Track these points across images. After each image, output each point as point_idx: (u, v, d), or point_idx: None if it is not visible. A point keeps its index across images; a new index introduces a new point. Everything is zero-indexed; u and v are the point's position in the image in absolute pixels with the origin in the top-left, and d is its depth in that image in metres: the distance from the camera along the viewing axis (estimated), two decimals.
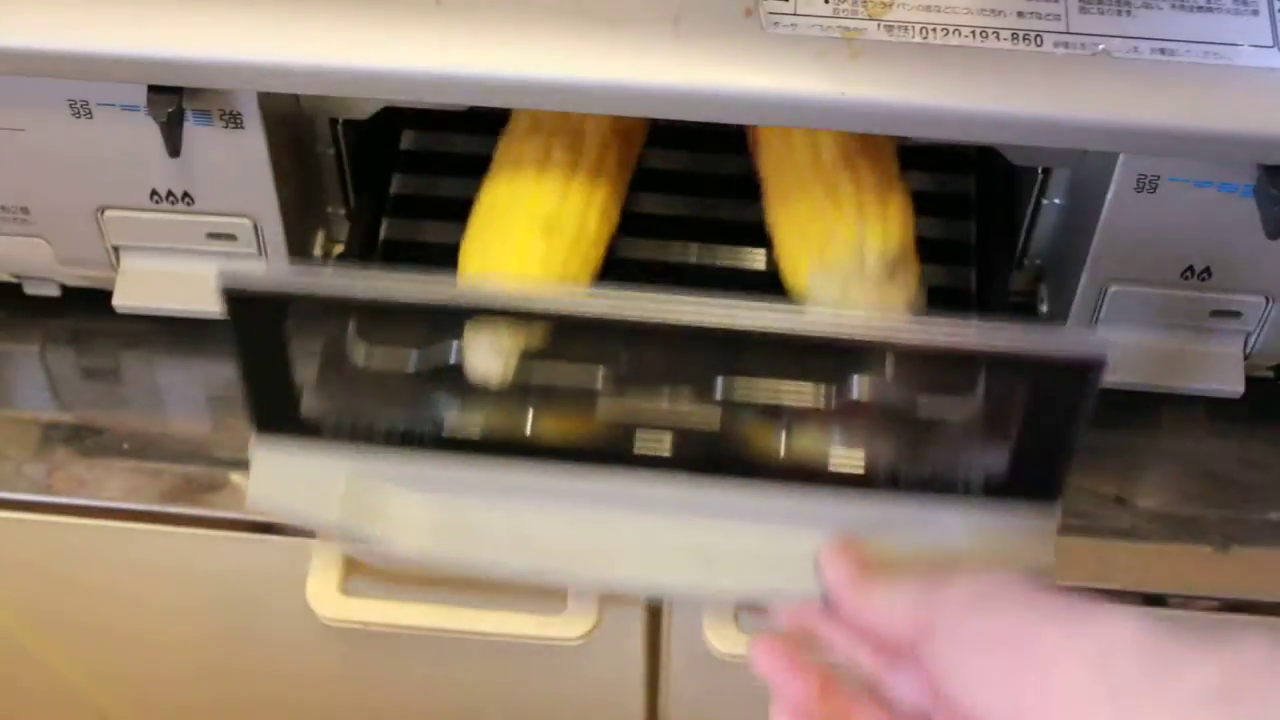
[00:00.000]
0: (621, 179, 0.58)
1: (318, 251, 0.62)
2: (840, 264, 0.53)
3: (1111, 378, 0.57)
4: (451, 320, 0.52)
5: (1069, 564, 0.60)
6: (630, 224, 0.59)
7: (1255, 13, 0.49)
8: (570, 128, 0.56)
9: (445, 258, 0.61)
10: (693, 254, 0.61)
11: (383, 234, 0.62)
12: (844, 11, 0.49)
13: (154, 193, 0.56)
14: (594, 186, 0.56)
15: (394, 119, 0.62)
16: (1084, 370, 0.44)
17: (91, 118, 0.53)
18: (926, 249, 0.61)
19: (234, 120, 0.53)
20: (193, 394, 0.64)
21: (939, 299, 0.61)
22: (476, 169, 0.62)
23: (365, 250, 0.60)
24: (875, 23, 0.49)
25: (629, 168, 0.59)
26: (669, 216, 0.61)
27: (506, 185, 0.56)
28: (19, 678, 0.74)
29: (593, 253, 0.56)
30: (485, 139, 0.62)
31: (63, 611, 0.70)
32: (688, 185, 0.62)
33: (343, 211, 0.62)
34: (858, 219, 0.53)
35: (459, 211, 0.61)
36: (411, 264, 0.61)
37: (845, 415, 0.52)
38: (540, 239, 0.54)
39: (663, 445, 0.49)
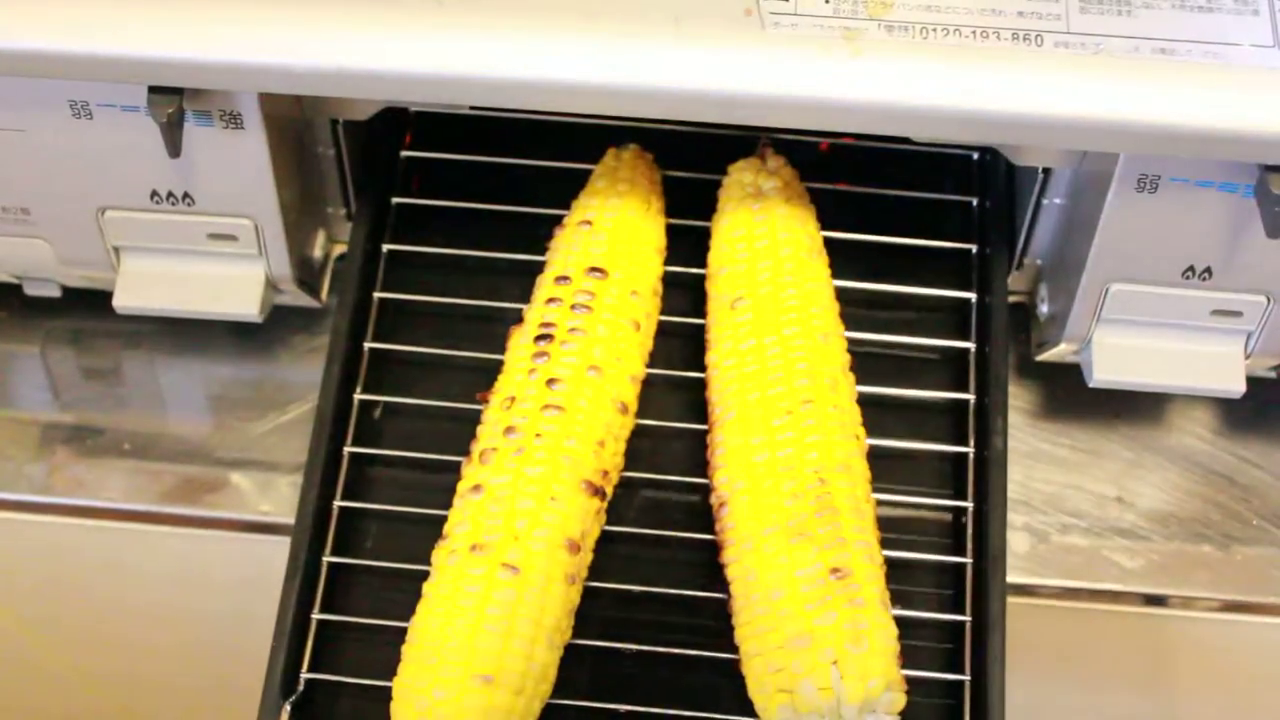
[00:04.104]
0: (569, 602, 0.52)
1: (318, 253, 0.62)
2: (813, 710, 0.48)
3: (1113, 377, 0.57)
4: None
5: (1067, 563, 0.60)
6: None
7: (1255, 12, 0.49)
8: (511, 534, 0.50)
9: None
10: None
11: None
12: (844, 11, 0.49)
13: (154, 193, 0.56)
14: (542, 611, 0.50)
15: (396, 119, 0.62)
16: None
17: (92, 118, 0.53)
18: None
19: (234, 121, 0.53)
20: (193, 394, 0.64)
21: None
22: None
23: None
24: (875, 22, 0.49)
25: (579, 582, 0.53)
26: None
27: (439, 620, 0.50)
28: (17, 678, 0.74)
29: (541, 690, 0.50)
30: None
31: (61, 612, 0.69)
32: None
33: (343, 212, 0.62)
34: (833, 662, 0.48)
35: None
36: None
37: None
38: (478, 694, 0.48)
39: None
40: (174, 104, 0.51)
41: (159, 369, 0.64)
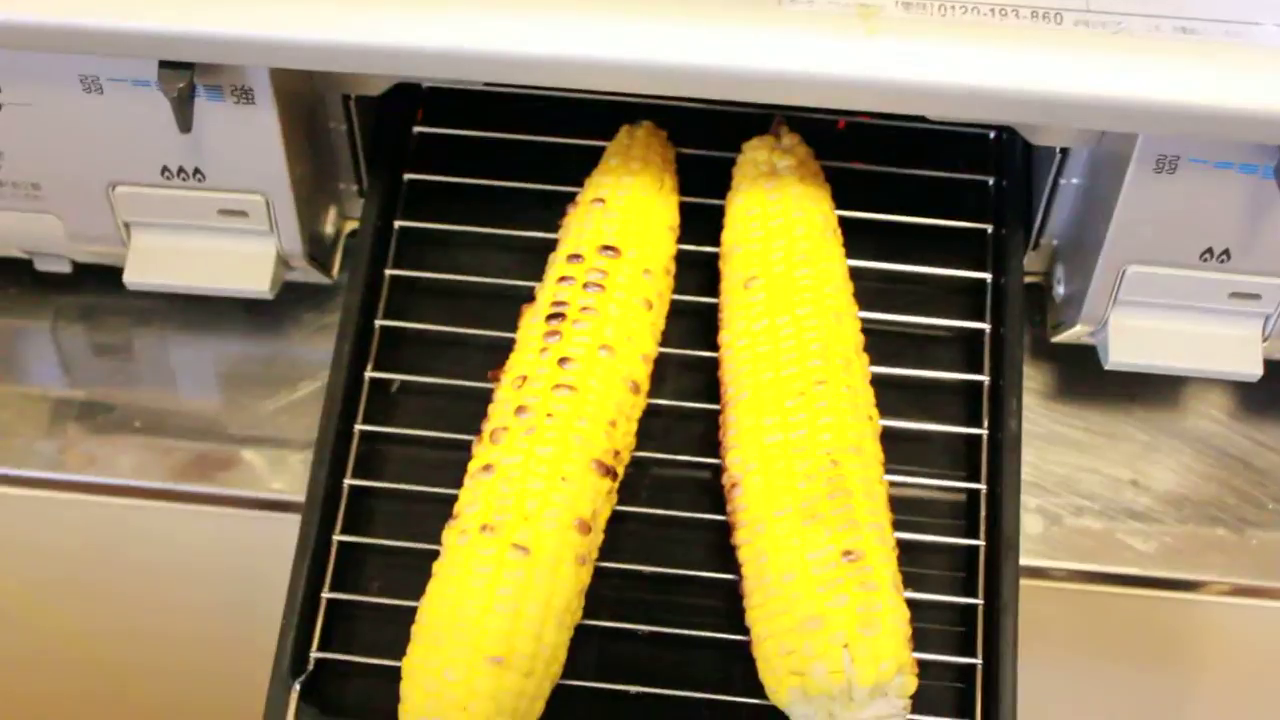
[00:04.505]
0: (579, 583, 0.52)
1: (330, 229, 0.61)
2: (824, 693, 0.48)
3: (1129, 359, 0.57)
4: None
5: (1081, 546, 0.60)
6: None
7: None
8: (522, 515, 0.50)
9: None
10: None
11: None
12: None
13: (165, 169, 0.56)
14: (552, 592, 0.50)
15: (408, 94, 0.62)
16: None
17: (102, 93, 0.53)
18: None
19: (246, 96, 0.53)
20: (204, 371, 0.63)
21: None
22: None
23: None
24: (893, 0, 0.49)
25: (590, 562, 0.52)
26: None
27: (449, 600, 0.49)
28: (29, 654, 0.74)
29: (551, 671, 0.50)
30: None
31: (72, 588, 0.70)
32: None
33: (355, 188, 0.61)
34: (845, 645, 0.48)
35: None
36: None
37: None
38: (488, 675, 0.48)
39: None
40: (185, 79, 0.50)
41: (170, 345, 0.64)
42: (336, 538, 0.55)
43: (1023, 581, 0.54)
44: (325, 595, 0.54)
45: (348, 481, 0.56)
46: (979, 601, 0.54)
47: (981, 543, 0.55)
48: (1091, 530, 0.60)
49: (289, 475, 0.61)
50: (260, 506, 0.61)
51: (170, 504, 0.61)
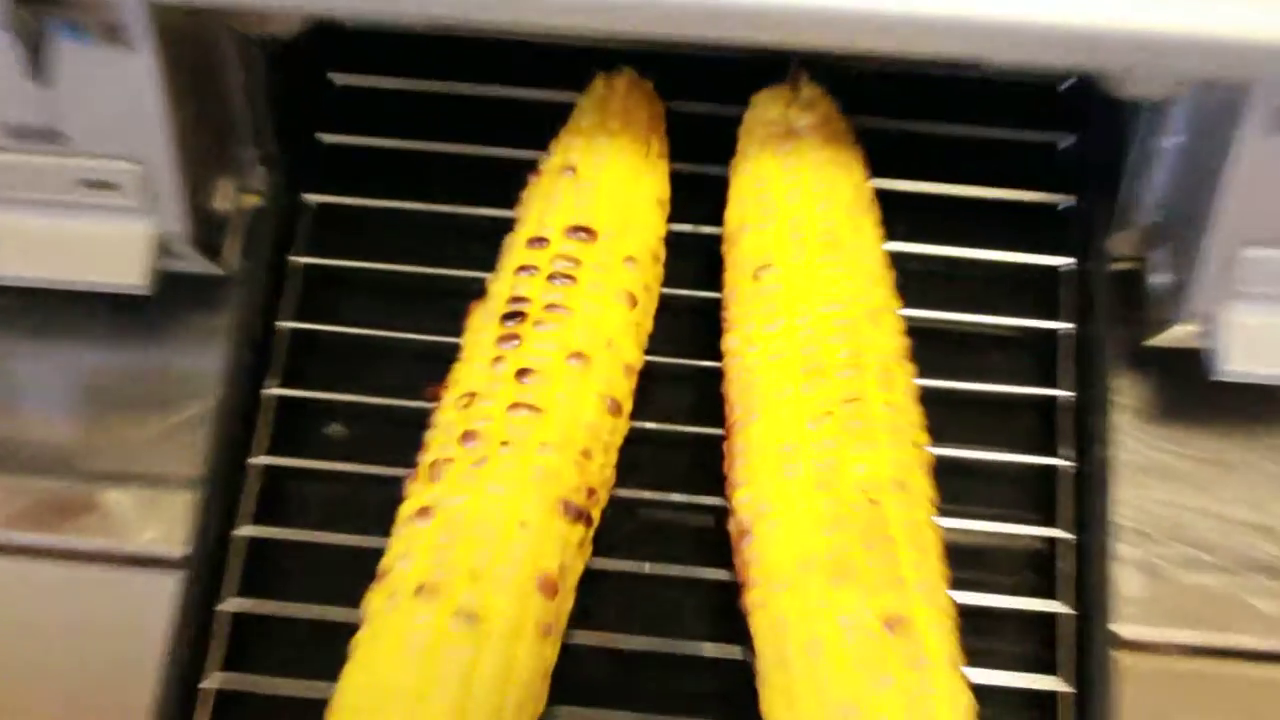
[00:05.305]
0: (543, 660, 0.52)
1: (223, 206, 0.61)
2: None
3: (1247, 368, 0.57)
4: None
5: (1195, 611, 0.60)
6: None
7: None
8: (469, 572, 0.51)
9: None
10: None
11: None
12: None
13: (12, 129, 0.56)
14: (507, 672, 0.50)
15: (325, 36, 0.62)
16: None
17: None
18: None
19: (117, 35, 0.53)
20: (59, 389, 0.63)
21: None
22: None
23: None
24: None
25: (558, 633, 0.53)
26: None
27: (375, 684, 0.50)
28: None
29: None
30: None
31: None
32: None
33: (257, 154, 0.62)
34: None
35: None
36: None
37: None
38: None
39: None
40: (37, 12, 0.51)
41: (16, 356, 0.64)
42: (228, 605, 0.56)
43: (1119, 657, 0.54)
44: (209, 685, 0.55)
45: (243, 531, 0.57)
46: (1064, 686, 0.55)
47: (1064, 607, 0.56)
48: (1208, 590, 0.60)
49: (166, 523, 0.61)
50: (128, 563, 0.61)
51: (13, 560, 0.61)
